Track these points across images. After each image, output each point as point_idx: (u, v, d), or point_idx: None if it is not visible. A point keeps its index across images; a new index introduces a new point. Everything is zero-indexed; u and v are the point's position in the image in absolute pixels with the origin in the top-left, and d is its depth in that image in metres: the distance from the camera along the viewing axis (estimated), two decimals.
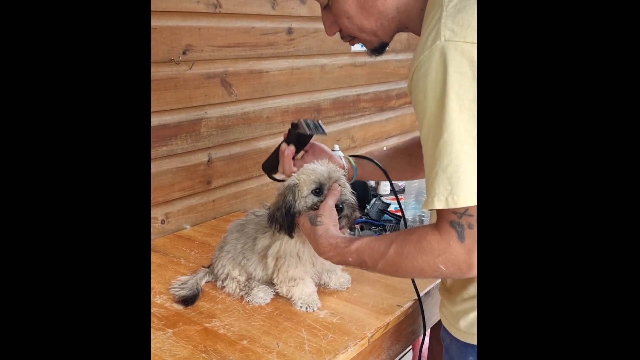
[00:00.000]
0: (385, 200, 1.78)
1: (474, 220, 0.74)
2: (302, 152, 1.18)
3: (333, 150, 1.92)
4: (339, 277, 1.20)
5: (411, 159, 1.24)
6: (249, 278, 1.18)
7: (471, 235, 0.75)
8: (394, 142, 2.69)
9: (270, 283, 1.17)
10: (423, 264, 0.81)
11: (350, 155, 1.26)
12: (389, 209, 1.75)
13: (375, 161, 1.22)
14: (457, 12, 0.75)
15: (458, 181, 0.72)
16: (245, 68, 1.76)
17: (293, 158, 1.14)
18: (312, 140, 1.16)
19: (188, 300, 1.14)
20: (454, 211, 0.76)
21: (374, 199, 1.75)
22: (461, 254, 0.76)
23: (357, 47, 2.20)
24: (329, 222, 1.00)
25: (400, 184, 2.05)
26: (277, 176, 1.22)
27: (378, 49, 1.00)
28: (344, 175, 1.10)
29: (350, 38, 1.00)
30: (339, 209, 1.04)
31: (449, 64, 0.73)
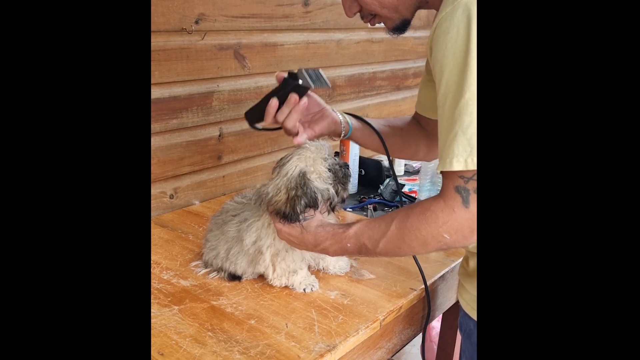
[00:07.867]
0: (400, 180, 1.74)
1: None
2: (304, 99, 1.03)
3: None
4: (337, 260, 1.14)
5: (404, 138, 1.23)
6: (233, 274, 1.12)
7: (476, 201, 0.74)
8: None
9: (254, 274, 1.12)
10: (427, 235, 0.79)
11: (346, 113, 1.18)
12: (403, 190, 1.71)
13: (374, 127, 1.15)
14: None
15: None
16: (259, 40, 1.71)
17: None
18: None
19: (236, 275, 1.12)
20: (461, 175, 0.74)
21: (387, 179, 1.71)
22: (465, 219, 0.75)
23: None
24: (316, 212, 0.96)
25: (415, 165, 2.00)
26: (259, 125, 1.12)
27: (400, 27, 0.97)
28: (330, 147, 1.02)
29: (371, 17, 0.97)
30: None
31: (472, 19, 0.69)
